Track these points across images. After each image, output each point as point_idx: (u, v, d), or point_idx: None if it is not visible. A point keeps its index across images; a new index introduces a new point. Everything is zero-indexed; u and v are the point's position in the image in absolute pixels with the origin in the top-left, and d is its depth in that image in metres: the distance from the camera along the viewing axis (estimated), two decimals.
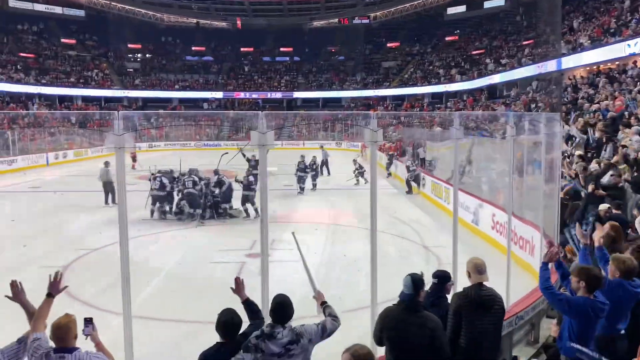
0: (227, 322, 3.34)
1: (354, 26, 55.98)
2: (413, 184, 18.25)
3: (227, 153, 15.11)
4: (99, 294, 7.65)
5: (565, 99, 22.36)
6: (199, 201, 13.17)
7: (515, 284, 6.26)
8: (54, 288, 3.30)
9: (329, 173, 23.59)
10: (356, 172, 20.42)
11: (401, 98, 48.64)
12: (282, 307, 3.35)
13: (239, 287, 3.75)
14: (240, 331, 3.42)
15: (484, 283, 3.91)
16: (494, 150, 14.32)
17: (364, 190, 18.19)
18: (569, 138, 13.34)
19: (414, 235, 11.90)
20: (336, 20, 56.76)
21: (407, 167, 18.95)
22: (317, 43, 56.70)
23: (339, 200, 17.34)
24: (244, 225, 12.88)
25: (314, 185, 18.91)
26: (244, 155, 16.88)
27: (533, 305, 5.77)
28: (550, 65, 28.43)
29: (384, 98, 49.76)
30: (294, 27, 57.19)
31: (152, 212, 13.50)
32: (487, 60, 39.97)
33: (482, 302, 3.80)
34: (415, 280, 3.60)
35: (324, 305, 3.81)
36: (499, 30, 43.91)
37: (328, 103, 52.44)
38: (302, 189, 18.01)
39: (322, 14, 56.67)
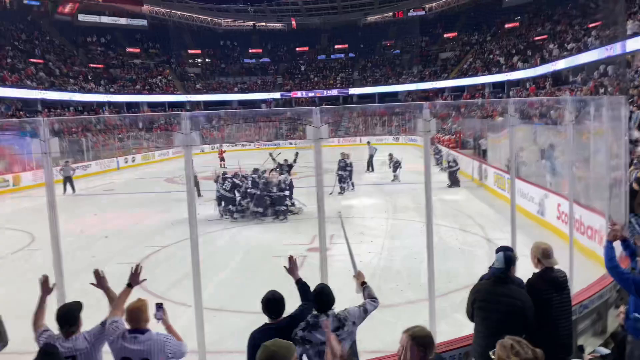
0: (268, 299, 3.46)
1: (409, 19, 55.25)
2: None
3: (280, 153, 15.51)
4: (170, 288, 8.07)
5: (637, 82, 21.09)
6: (261, 200, 13.54)
7: (581, 273, 6.06)
8: (134, 279, 3.61)
9: (372, 169, 23.45)
10: (391, 166, 20.01)
11: (460, 89, 47.49)
12: (323, 295, 3.42)
13: (292, 266, 3.87)
14: (289, 313, 3.52)
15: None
16: (556, 138, 13.78)
17: (421, 185, 18.01)
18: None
19: (477, 228, 11.69)
20: (391, 14, 56.24)
21: (448, 162, 18.55)
22: (371, 38, 56.41)
23: (396, 194, 17.24)
24: (304, 222, 13.11)
25: (352, 185, 18.01)
26: (274, 159, 16.59)
27: (599, 293, 5.55)
28: (617, 48, 26.85)
29: (442, 90, 48.78)
30: (349, 24, 57.22)
31: (221, 213, 14.05)
32: (551, 46, 38.25)
33: (557, 283, 3.78)
34: (507, 256, 3.70)
35: (364, 285, 3.89)
36: (562, 13, 41.88)
37: (385, 98, 52.04)
38: (342, 188, 17.50)
39: (376, 8, 56.31)
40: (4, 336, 3.33)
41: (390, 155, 20.51)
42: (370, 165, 23.41)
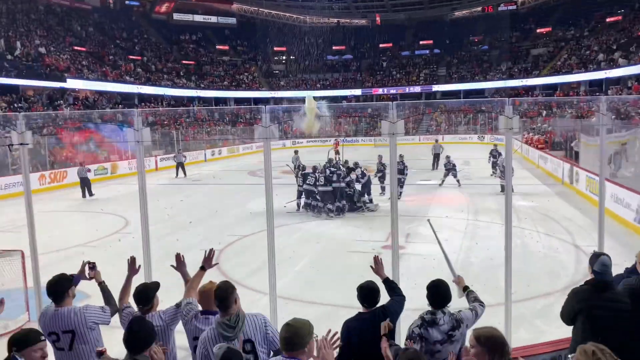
0: (364, 287, 3.47)
1: (499, 13, 53.03)
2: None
3: (337, 152, 15.29)
4: (248, 276, 8.39)
5: None
6: (332, 196, 13.57)
7: None
8: (207, 263, 3.81)
9: (436, 167, 23.19)
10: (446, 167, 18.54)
11: (553, 87, 44.85)
12: (440, 290, 3.34)
13: (378, 266, 3.91)
14: (381, 304, 3.52)
15: None
16: None
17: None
18: None
19: (565, 234, 11.06)
20: (480, 8, 54.26)
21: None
22: (458, 34, 54.76)
23: (476, 194, 16.67)
24: (380, 219, 13.07)
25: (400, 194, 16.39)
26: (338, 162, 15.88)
27: None
28: None
29: (532, 88, 46.35)
30: (435, 19, 55.95)
31: (298, 206, 14.33)
32: None
33: None
34: (608, 261, 3.58)
35: (466, 290, 3.81)
36: None
37: (470, 95, 50.37)
38: (382, 189, 16.61)
39: (464, 3, 54.58)
40: (114, 302, 3.66)
41: (448, 157, 18.89)
42: (435, 163, 23.33)
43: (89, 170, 19.70)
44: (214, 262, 3.85)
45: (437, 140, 25.25)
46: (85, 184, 18.27)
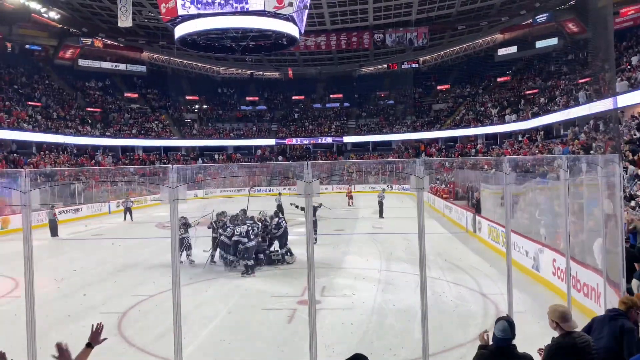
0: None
1: (403, 71, 56.59)
2: None
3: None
4: (154, 341, 7.76)
5: (631, 137, 21.39)
6: (253, 251, 13.11)
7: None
8: (94, 338, 3.40)
9: (381, 215, 24.20)
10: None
11: (453, 140, 48.16)
12: None
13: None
14: None
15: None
16: (550, 193, 13.80)
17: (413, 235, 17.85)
18: (634, 178, 12.70)
19: (471, 282, 11.48)
20: (385, 66, 57.63)
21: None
22: (366, 88, 57.59)
23: (388, 244, 17.03)
24: (296, 271, 12.85)
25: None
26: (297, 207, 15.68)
27: None
28: (607, 103, 27.48)
29: (435, 140, 49.45)
30: (344, 74, 58.49)
31: (212, 257, 13.73)
32: (542, 100, 39.13)
33: (578, 350, 3.62)
34: (511, 324, 3.62)
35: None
36: (553, 69, 43.13)
37: (378, 147, 52.68)
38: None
39: (371, 60, 57.71)
40: None
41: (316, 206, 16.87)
42: (381, 211, 24.45)
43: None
44: (102, 338, 3.44)
45: (384, 190, 26.42)
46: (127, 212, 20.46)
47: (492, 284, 11.05)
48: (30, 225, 3.41)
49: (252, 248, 12.75)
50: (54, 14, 44.01)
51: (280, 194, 23.64)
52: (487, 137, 45.25)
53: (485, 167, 23.29)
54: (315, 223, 16.00)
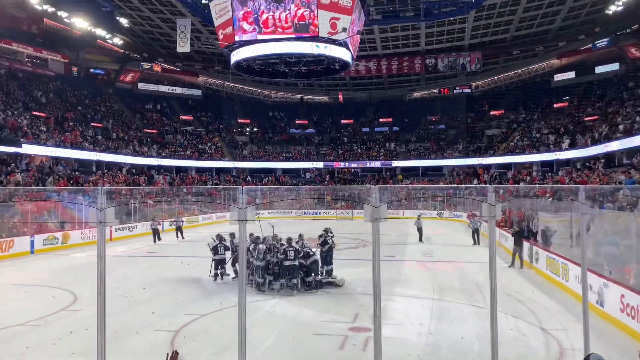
0: None
1: (455, 95, 55.97)
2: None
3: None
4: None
5: None
6: (294, 271, 12.98)
7: None
8: None
9: (421, 240, 24.52)
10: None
11: (507, 166, 46.83)
12: None
13: None
14: None
15: None
16: (616, 223, 13.09)
17: (466, 264, 17.30)
18: None
19: (530, 315, 10.94)
20: (436, 90, 57.19)
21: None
22: (417, 113, 57.16)
23: (442, 273, 16.56)
24: (345, 296, 12.66)
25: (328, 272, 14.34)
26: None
27: None
28: None
29: (488, 166, 48.23)
30: (394, 98, 58.42)
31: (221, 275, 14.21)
32: (602, 127, 37.57)
33: None
34: None
35: None
36: (614, 95, 41.45)
37: (428, 172, 51.88)
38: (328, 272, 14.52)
39: (422, 85, 57.46)
40: None
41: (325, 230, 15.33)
42: (420, 237, 24.72)
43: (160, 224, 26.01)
44: None
45: (419, 216, 25.95)
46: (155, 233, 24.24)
47: (552, 318, 10.50)
48: (105, 241, 3.48)
49: (295, 267, 12.83)
50: (117, 40, 46.48)
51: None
52: (543, 164, 43.73)
53: (547, 195, 22.42)
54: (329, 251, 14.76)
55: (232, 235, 14.16)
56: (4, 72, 40.60)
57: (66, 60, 48.33)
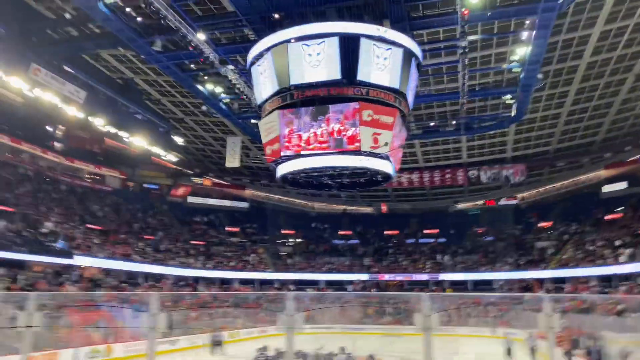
0: None
1: (500, 207, 55.24)
2: None
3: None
4: None
5: None
6: None
7: None
8: None
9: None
10: None
11: (561, 280, 44.37)
12: None
13: None
14: None
15: None
16: None
17: None
18: None
19: None
20: (481, 202, 56.77)
21: None
22: (462, 224, 56.29)
23: None
24: None
25: None
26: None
27: None
28: None
29: (541, 280, 45.83)
30: (438, 210, 58.18)
31: None
32: None
33: None
34: None
35: None
36: None
37: (477, 285, 49.63)
38: None
39: (466, 196, 57.28)
40: None
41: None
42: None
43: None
44: None
45: (506, 335, 25.35)
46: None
47: None
48: (154, 346, 3.43)
49: None
50: (171, 157, 49.52)
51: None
52: (601, 278, 41.21)
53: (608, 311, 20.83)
54: None
55: (264, 349, 13.52)
56: (65, 187, 43.42)
57: (124, 177, 51.49)
